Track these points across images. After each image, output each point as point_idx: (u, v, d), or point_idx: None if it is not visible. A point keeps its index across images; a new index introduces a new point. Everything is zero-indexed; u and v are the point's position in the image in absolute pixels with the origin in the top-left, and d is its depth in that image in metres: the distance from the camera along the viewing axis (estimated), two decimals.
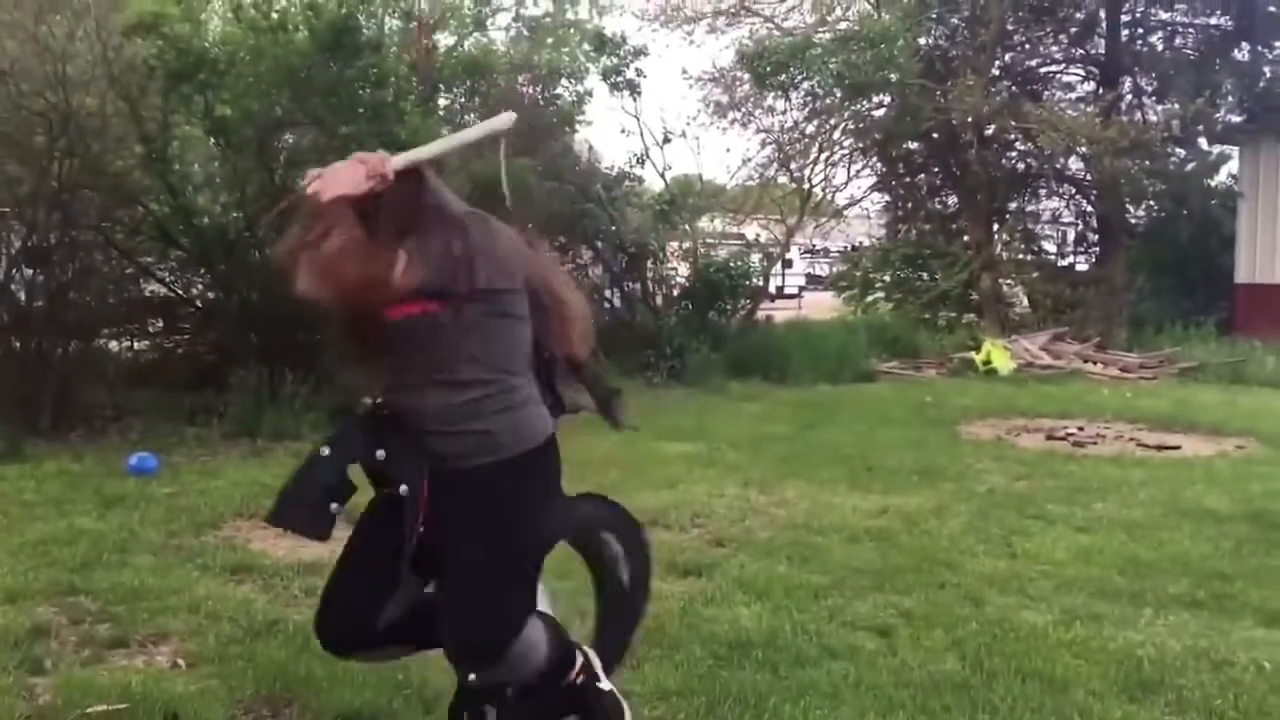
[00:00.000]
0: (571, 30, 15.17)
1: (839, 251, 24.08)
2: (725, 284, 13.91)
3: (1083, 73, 19.25)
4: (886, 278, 19.13)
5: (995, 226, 18.46)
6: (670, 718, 3.41)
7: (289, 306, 9.29)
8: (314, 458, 2.66)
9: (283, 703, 3.48)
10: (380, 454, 2.64)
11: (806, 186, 16.16)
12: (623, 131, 14.58)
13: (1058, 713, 3.48)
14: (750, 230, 17.78)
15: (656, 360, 12.76)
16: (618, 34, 13.79)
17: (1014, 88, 18.20)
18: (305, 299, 2.55)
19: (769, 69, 15.16)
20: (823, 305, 21.05)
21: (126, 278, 9.82)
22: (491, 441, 2.62)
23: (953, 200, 19.10)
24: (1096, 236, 19.17)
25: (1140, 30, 18.77)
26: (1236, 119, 17.57)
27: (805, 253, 27.86)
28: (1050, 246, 20.17)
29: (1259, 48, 18.05)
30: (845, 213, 18.64)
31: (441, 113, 12.02)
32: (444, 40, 13.84)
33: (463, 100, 12.60)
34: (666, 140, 14.19)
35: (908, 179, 19.49)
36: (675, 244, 14.28)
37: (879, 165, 18.76)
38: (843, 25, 17.07)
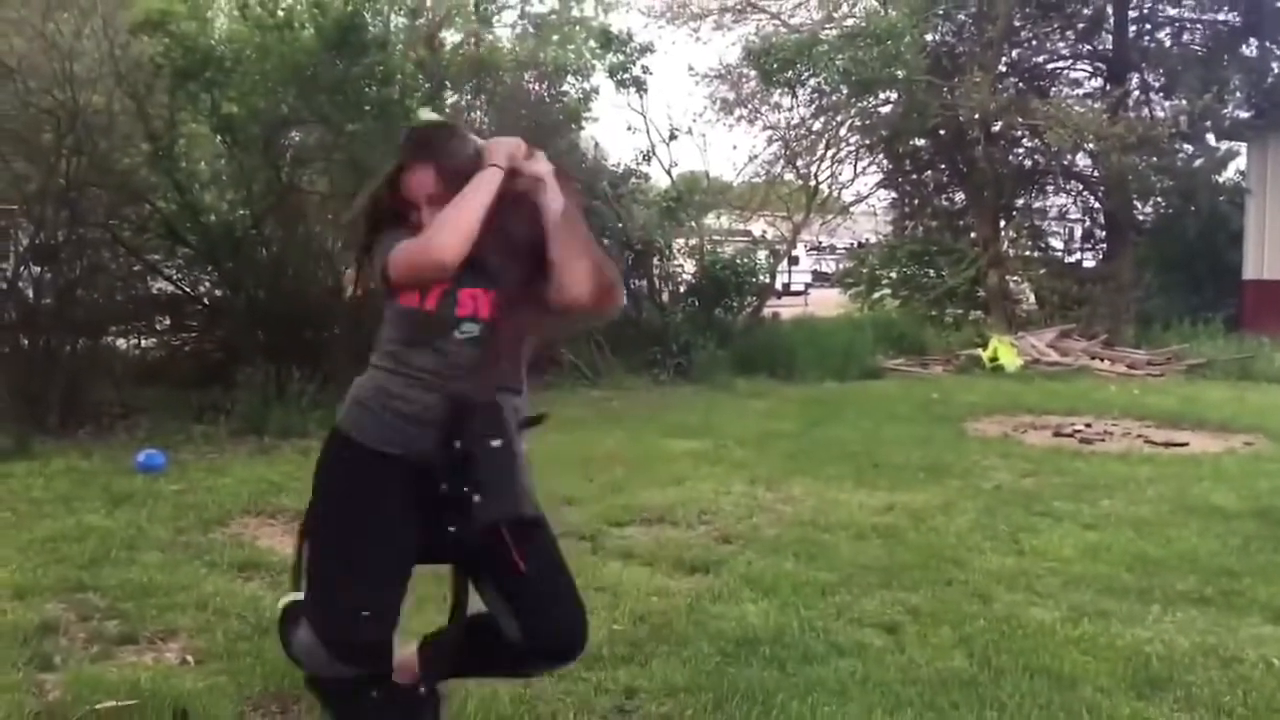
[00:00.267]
0: (577, 27, 15.17)
1: (845, 248, 24.06)
2: (732, 281, 13.92)
3: (1090, 69, 19.22)
4: (893, 274, 19.12)
5: (1002, 223, 18.45)
6: (678, 714, 3.41)
7: (296, 304, 9.37)
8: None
9: (291, 699, 3.48)
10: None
11: (813, 183, 16.16)
12: (629, 128, 14.56)
13: (1066, 709, 3.47)
14: (757, 227, 17.77)
15: (663, 357, 12.77)
16: (624, 31, 13.82)
17: (1021, 84, 18.17)
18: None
19: (775, 66, 15.15)
20: (829, 302, 21.05)
21: (134, 275, 9.85)
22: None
23: (960, 197, 19.08)
24: (1104, 233, 19.14)
25: (1148, 26, 18.75)
26: (1244, 115, 17.52)
27: (812, 250, 27.84)
28: (1057, 243, 20.15)
29: (1267, 43, 18.01)
30: (852, 209, 18.66)
31: (448, 110, 12.02)
32: (450, 37, 13.85)
33: (469, 97, 12.60)
34: (673, 137, 14.21)
35: (914, 176, 19.47)
36: (682, 241, 14.28)
37: (885, 162, 18.75)
38: (849, 22, 17.05)
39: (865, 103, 16.61)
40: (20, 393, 8.29)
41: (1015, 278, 18.24)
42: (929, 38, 16.83)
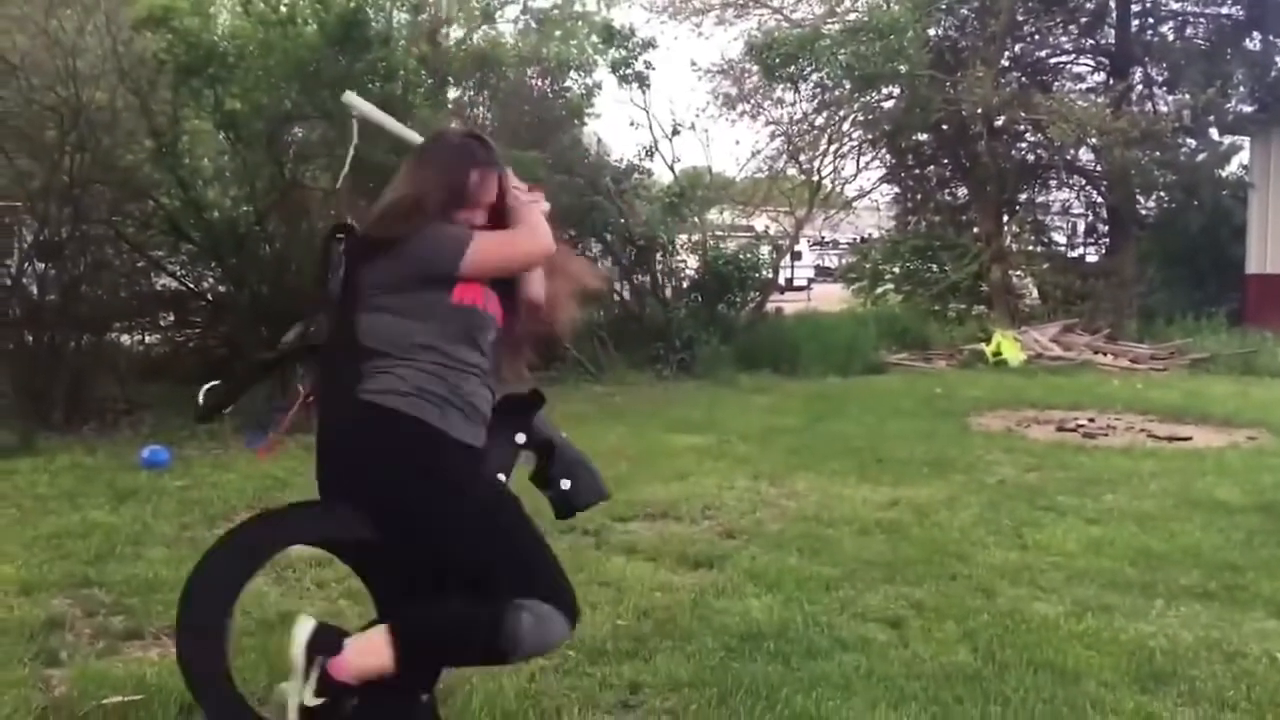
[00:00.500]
0: (580, 23, 15.13)
1: (848, 243, 24.06)
2: (734, 276, 13.92)
3: (1093, 63, 19.19)
4: (896, 269, 19.13)
5: (1005, 218, 18.44)
6: (682, 709, 3.42)
7: (299, 300, 9.34)
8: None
9: None
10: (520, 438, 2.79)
11: (816, 178, 16.16)
12: (631, 124, 14.55)
13: (1070, 704, 3.47)
14: (759, 222, 17.77)
15: (666, 353, 12.77)
16: (626, 26, 13.80)
17: (1024, 78, 18.16)
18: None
19: (778, 61, 15.14)
20: (832, 297, 21.05)
21: (138, 272, 9.87)
22: None
23: (962, 192, 19.07)
24: (1107, 228, 19.14)
25: (1150, 20, 18.71)
26: (1248, 109, 17.48)
27: (814, 245, 27.86)
28: (1060, 238, 20.15)
29: (1270, 37, 17.95)
30: (854, 204, 18.66)
31: (450, 106, 12.03)
32: (453, 33, 13.83)
33: (472, 93, 12.60)
34: (675, 132, 14.21)
35: (917, 170, 19.47)
36: (684, 236, 14.28)
37: (888, 157, 18.74)
38: (852, 16, 17.05)
39: (868, 97, 16.62)
40: (25, 389, 8.31)
41: (1018, 272, 18.24)
42: (931, 32, 16.82)
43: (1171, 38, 18.49)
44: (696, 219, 14.49)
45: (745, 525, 5.74)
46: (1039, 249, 19.14)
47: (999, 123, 16.95)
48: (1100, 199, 19.07)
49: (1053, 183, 19.30)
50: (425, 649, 2.54)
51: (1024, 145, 18.49)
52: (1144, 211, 18.51)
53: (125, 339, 10.16)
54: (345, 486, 2.58)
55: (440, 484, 2.52)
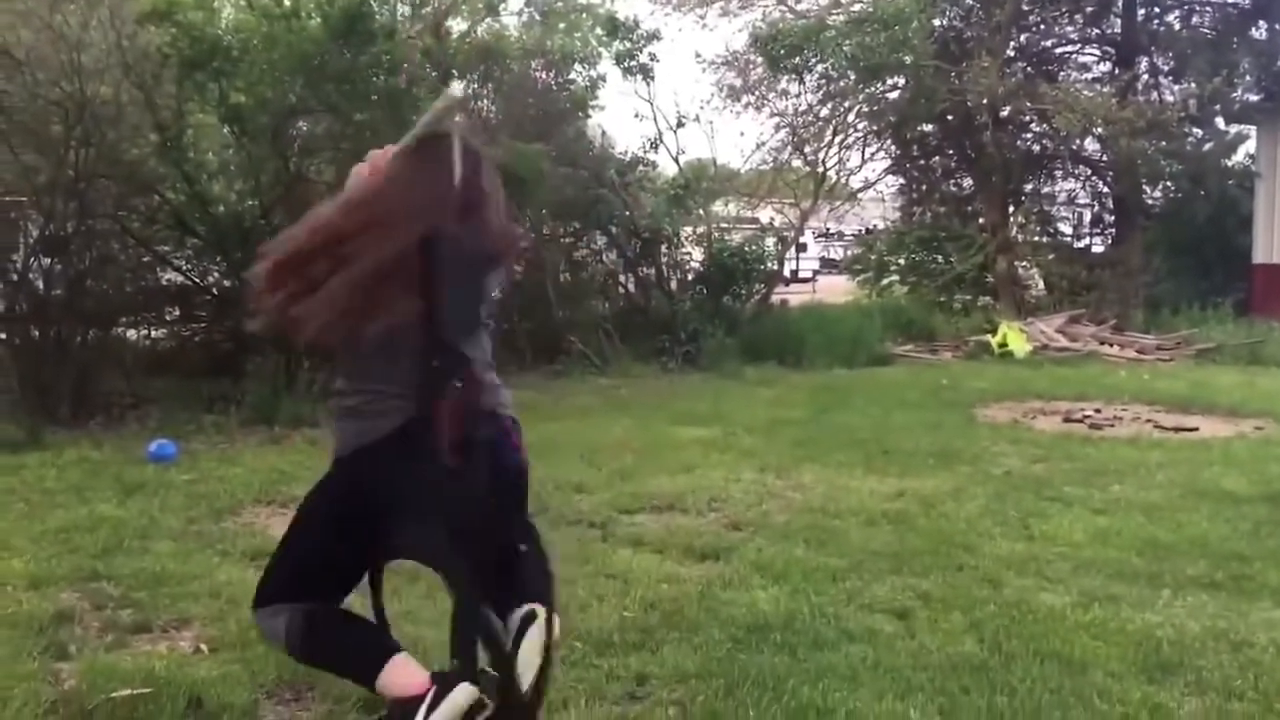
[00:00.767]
0: (584, 15, 15.11)
1: (853, 235, 24.02)
2: (740, 268, 13.91)
3: (1099, 53, 19.13)
4: (901, 261, 19.09)
5: (1011, 209, 18.38)
6: (689, 700, 3.42)
7: None
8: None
9: (305, 687, 3.51)
10: None
11: (821, 170, 16.11)
12: (636, 116, 14.67)
13: (1076, 694, 3.47)
14: (764, 214, 17.75)
15: (671, 345, 12.77)
16: (630, 18, 13.76)
17: (1029, 68, 18.09)
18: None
19: (782, 52, 15.10)
20: (837, 289, 21.00)
21: (143, 266, 9.88)
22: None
23: (968, 182, 19.02)
24: (1113, 218, 19.08)
25: (1156, 9, 18.64)
26: (1254, 98, 17.41)
27: (820, 236, 27.80)
28: (1066, 228, 20.11)
29: (1277, 26, 17.88)
30: (859, 196, 18.59)
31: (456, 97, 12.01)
32: (457, 26, 13.82)
33: (476, 86, 12.58)
34: (680, 125, 14.17)
35: (922, 161, 19.42)
36: (689, 229, 14.26)
37: (893, 148, 18.69)
38: (856, 7, 16.95)
39: (873, 88, 16.56)
40: (31, 384, 8.33)
41: (1024, 263, 18.18)
42: (936, 23, 16.76)
43: (1177, 27, 18.42)
44: (701, 211, 14.47)
45: (751, 517, 5.75)
46: (1045, 239, 19.08)
47: (1004, 113, 16.90)
48: (1106, 189, 19.03)
49: (1058, 173, 19.24)
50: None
51: (1029, 135, 18.44)
52: (1150, 201, 18.46)
53: (131, 333, 10.16)
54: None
55: None
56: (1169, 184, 17.76)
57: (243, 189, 9.92)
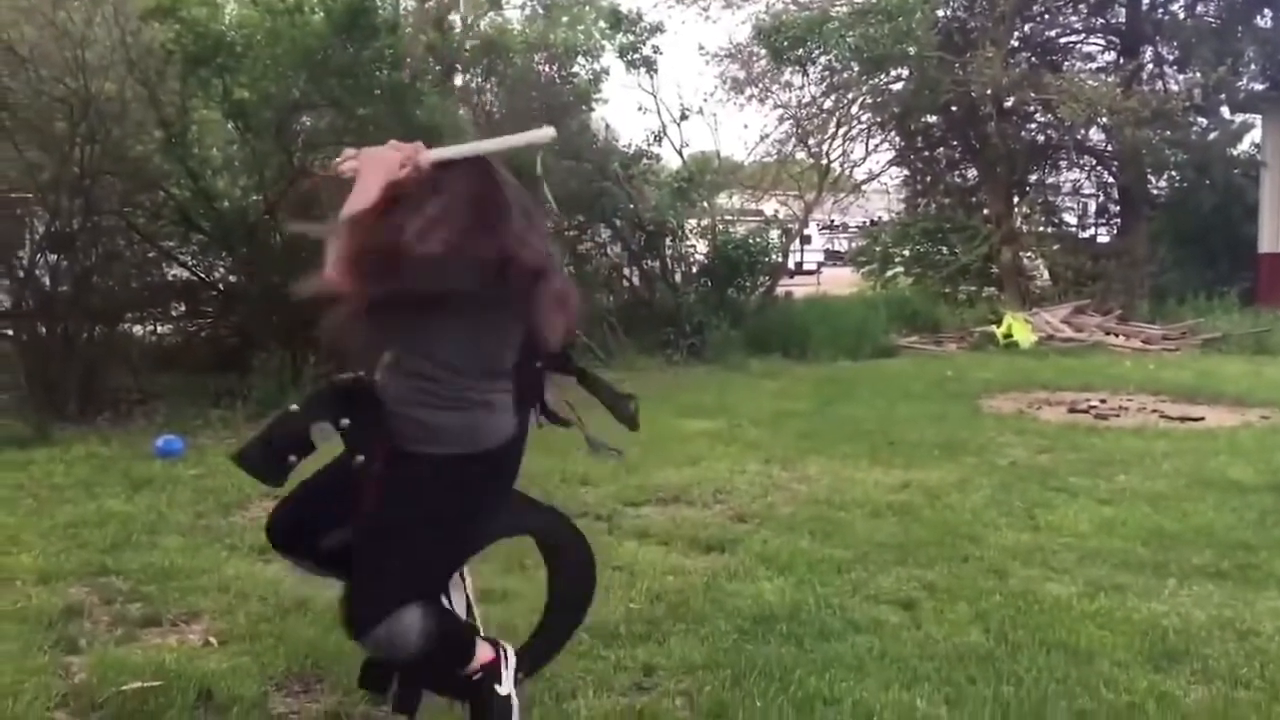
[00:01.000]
0: (587, 8, 15.11)
1: (858, 227, 24.00)
2: (744, 261, 13.90)
3: (1103, 42, 19.09)
4: (906, 252, 19.08)
5: (1015, 199, 18.37)
6: (696, 691, 3.43)
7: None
8: (283, 413, 2.79)
9: (314, 679, 3.53)
10: (345, 422, 2.70)
11: (825, 162, 16.12)
12: (640, 109, 14.57)
13: (1082, 683, 3.48)
14: (769, 206, 17.74)
15: (676, 338, 12.77)
16: (633, 11, 13.78)
17: (1033, 59, 18.06)
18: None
19: (786, 44, 15.09)
20: (842, 281, 21.02)
21: (149, 262, 9.88)
22: (431, 433, 2.65)
23: (972, 173, 19.01)
24: (1118, 208, 19.05)
25: None
26: (1259, 87, 17.39)
27: (824, 228, 27.78)
28: (1071, 219, 20.08)
29: None
30: (864, 188, 18.61)
31: (458, 93, 12.02)
32: (460, 20, 13.82)
33: (479, 80, 12.59)
34: (684, 117, 14.19)
35: (926, 153, 19.40)
36: (693, 221, 14.26)
37: (897, 139, 18.68)
38: None
39: (876, 80, 16.55)
40: (39, 380, 8.35)
41: (1029, 254, 18.18)
42: (940, 13, 16.75)
43: (1182, 16, 18.37)
44: (705, 204, 14.47)
45: (757, 509, 5.76)
46: (1050, 230, 19.08)
47: (1009, 103, 16.88)
48: (1111, 179, 18.99)
49: (1063, 163, 19.22)
50: None
51: (1034, 126, 18.41)
52: (1155, 191, 18.43)
53: (137, 329, 10.18)
54: None
55: None
56: (1174, 173, 17.74)
57: (247, 184, 9.93)
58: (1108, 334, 14.32)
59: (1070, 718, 3.26)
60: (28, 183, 8.71)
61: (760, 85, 17.07)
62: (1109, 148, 17.87)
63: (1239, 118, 18.06)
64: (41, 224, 8.87)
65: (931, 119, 18.30)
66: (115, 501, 5.77)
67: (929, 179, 19.51)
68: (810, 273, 25.59)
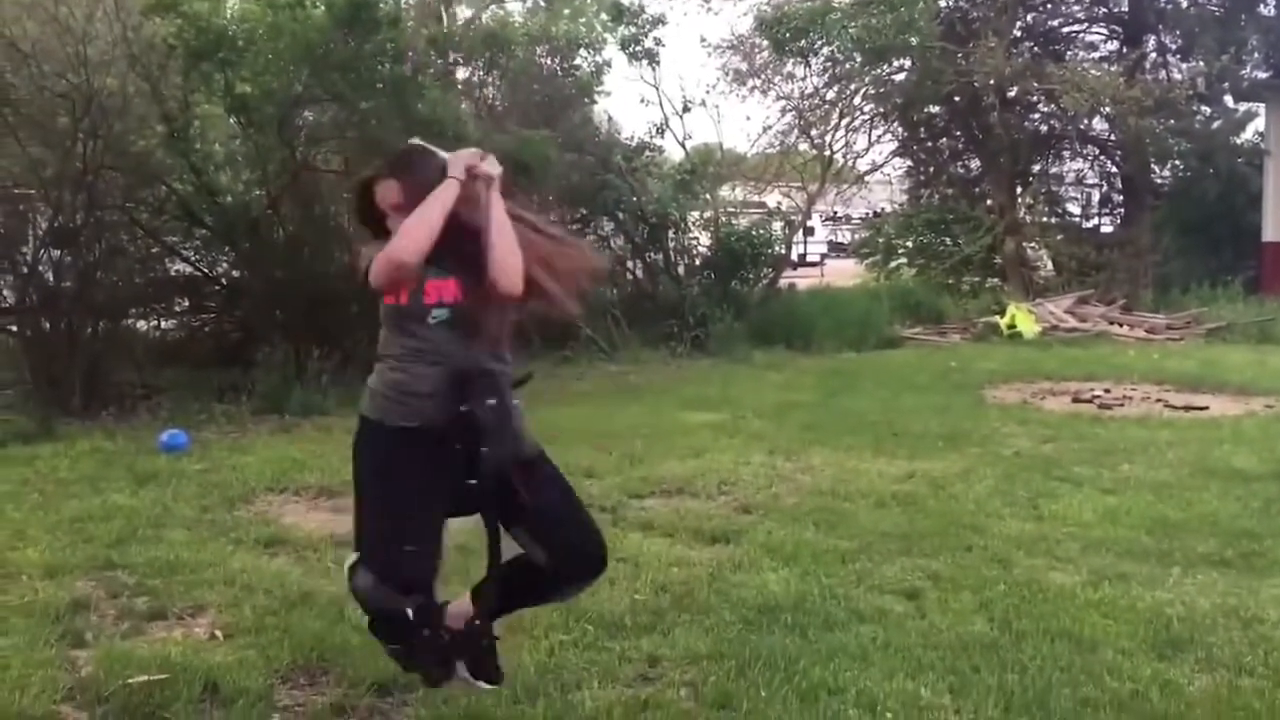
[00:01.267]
0: (589, 0, 15.07)
1: (861, 218, 23.96)
2: (747, 253, 13.89)
3: (1106, 31, 19.03)
4: (909, 243, 19.05)
5: (1018, 189, 18.33)
6: (701, 682, 3.44)
7: (313, 283, 9.40)
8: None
9: (319, 672, 3.54)
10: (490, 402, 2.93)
11: (827, 153, 16.09)
12: (642, 101, 14.57)
13: (1087, 672, 3.49)
14: (771, 198, 17.70)
15: (679, 330, 12.77)
16: (635, 3, 13.71)
17: (1036, 48, 18.01)
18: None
19: (788, 35, 15.04)
20: (845, 272, 21.00)
21: (152, 257, 9.90)
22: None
23: (975, 164, 18.97)
24: (1121, 197, 19.01)
25: None
26: (1263, 75, 17.33)
27: (827, 220, 27.71)
28: (1074, 208, 20.01)
29: None
30: (867, 179, 18.55)
31: (460, 86, 12.01)
32: (461, 13, 13.80)
33: (481, 73, 12.57)
34: (686, 109, 14.17)
35: (929, 143, 19.36)
36: (696, 213, 14.25)
37: (900, 130, 18.63)
38: None
39: (879, 71, 16.48)
40: (43, 375, 8.37)
41: (1032, 244, 18.14)
42: (942, 4, 16.69)
43: (1185, 4, 18.29)
44: (708, 196, 14.45)
45: (761, 500, 5.76)
46: (1053, 220, 19.04)
47: (1011, 93, 16.82)
48: (1114, 169, 18.94)
49: (1066, 153, 19.16)
50: None
51: (1037, 116, 18.35)
52: (1159, 180, 18.37)
53: (141, 324, 10.20)
54: None
55: (356, 460, 3.02)
56: (1178, 163, 17.67)
57: (249, 179, 9.94)
58: (1111, 324, 14.31)
59: (1074, 706, 3.27)
60: (31, 178, 8.73)
61: (762, 77, 17.02)
62: (1112, 137, 17.81)
63: (1242, 106, 18.02)
64: (45, 219, 8.88)
65: (934, 109, 18.25)
66: (120, 496, 5.78)
67: (932, 170, 19.47)
68: (814, 264, 25.54)
